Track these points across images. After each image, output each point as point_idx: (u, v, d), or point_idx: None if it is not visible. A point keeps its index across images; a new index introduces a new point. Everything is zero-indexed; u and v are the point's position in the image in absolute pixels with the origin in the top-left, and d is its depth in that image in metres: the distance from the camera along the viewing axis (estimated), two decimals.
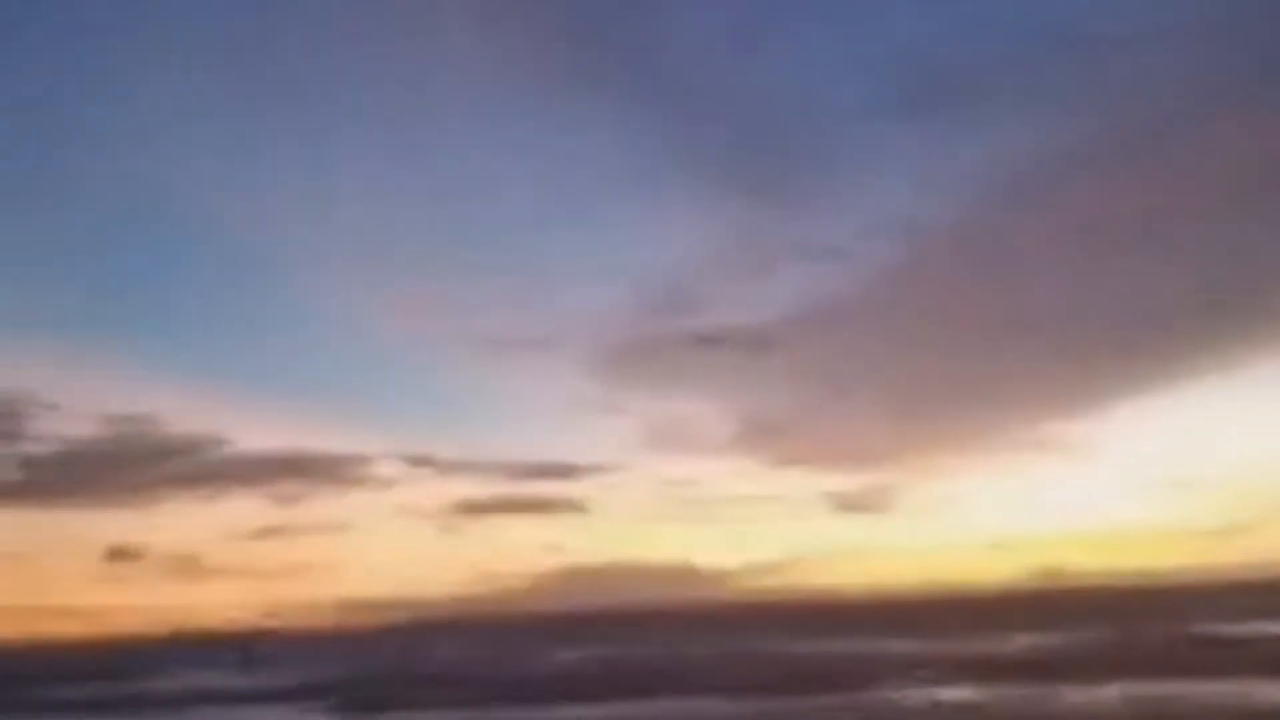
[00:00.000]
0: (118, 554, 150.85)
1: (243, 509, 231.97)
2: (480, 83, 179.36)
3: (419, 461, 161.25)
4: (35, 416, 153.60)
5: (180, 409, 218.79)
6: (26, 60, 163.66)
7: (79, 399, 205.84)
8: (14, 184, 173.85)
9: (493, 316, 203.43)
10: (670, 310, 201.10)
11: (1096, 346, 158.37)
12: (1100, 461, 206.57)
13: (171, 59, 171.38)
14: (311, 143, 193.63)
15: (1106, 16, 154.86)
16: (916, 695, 23.42)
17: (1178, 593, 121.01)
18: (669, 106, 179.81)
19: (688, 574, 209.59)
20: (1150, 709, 19.55)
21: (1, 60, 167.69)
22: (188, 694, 37.00)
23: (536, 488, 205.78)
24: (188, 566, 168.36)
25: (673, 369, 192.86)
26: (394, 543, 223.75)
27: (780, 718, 21.23)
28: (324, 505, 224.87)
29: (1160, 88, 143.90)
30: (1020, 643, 42.07)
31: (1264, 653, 31.26)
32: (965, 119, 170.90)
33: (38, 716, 30.36)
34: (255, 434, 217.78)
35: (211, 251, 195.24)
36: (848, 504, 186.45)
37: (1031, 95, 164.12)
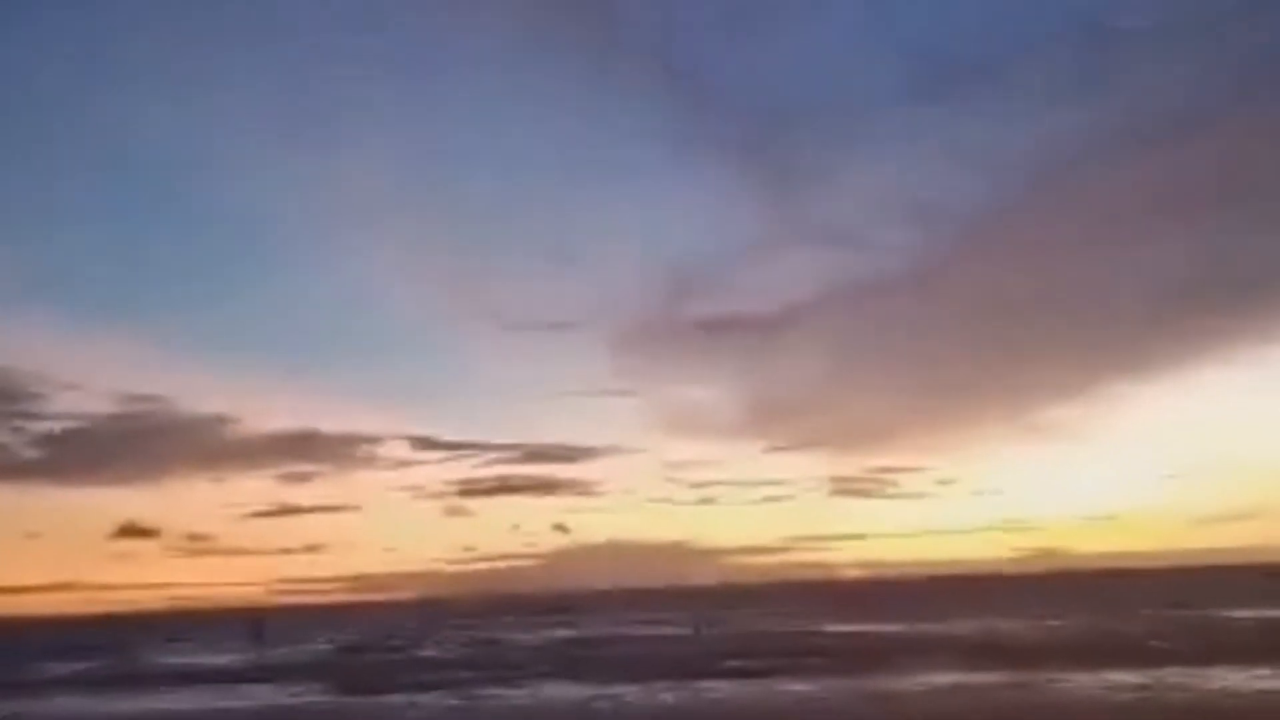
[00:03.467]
0: (129, 532, 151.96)
1: (252, 488, 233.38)
2: (497, 61, 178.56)
3: (427, 442, 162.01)
4: (48, 395, 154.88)
5: (192, 389, 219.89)
6: (34, 30, 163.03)
7: (91, 378, 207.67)
8: (23, 172, 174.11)
9: (504, 298, 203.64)
10: (683, 294, 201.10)
11: (1101, 332, 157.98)
12: (1103, 447, 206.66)
13: (180, 27, 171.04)
14: (326, 121, 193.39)
15: (1127, 7, 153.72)
16: (915, 678, 23.37)
17: (1178, 577, 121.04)
18: (686, 89, 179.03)
19: (692, 556, 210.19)
20: (1149, 694, 19.47)
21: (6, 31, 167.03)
22: (190, 672, 37.22)
23: (544, 469, 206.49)
24: (197, 544, 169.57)
25: (684, 352, 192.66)
26: (401, 523, 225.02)
27: (780, 700, 21.22)
28: (333, 485, 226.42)
29: (1175, 78, 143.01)
30: (1020, 627, 42.08)
31: (1265, 638, 31.20)
32: (982, 105, 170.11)
33: (45, 692, 30.57)
34: (266, 414, 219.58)
35: (225, 231, 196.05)
36: (852, 487, 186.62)
37: (1049, 83, 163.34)
